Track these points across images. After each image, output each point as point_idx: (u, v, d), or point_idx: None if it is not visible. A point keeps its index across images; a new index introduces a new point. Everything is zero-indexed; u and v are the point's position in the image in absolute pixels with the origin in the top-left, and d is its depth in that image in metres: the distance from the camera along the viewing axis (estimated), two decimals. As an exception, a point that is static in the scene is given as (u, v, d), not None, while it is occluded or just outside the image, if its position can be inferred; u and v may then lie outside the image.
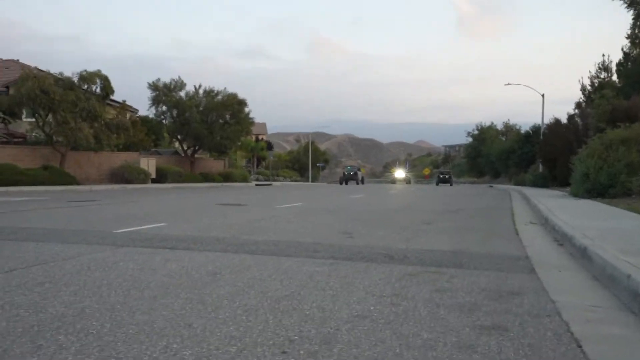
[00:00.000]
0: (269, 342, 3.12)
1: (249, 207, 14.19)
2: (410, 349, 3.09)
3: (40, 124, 28.82)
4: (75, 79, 28.93)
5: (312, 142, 79.38)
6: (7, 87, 34.73)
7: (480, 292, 4.59)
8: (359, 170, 65.38)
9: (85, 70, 29.22)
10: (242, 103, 40.02)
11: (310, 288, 4.55)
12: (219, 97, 39.44)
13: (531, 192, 25.22)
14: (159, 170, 35.59)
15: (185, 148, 41.73)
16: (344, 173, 63.67)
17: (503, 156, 62.15)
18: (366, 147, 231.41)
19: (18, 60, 44.66)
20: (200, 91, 39.80)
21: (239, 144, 46.22)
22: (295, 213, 12.51)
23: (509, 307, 4.11)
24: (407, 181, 72.06)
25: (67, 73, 29.57)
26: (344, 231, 8.77)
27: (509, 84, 47.30)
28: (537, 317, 3.85)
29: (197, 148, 41.53)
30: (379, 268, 5.56)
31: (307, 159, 73.23)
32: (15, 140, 31.77)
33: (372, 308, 3.96)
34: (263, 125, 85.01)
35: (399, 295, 4.39)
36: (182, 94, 39.23)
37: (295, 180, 64.31)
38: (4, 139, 30.17)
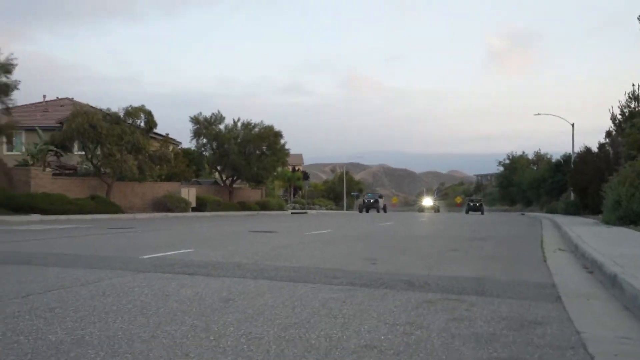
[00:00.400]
0: (265, 374, 2.82)
1: (279, 234, 13.94)
2: (416, 384, 2.74)
3: (89, 156, 29.42)
4: (121, 114, 29.55)
5: (347, 172, 79.16)
6: (62, 123, 35.74)
7: (500, 321, 4.19)
8: (380, 197, 59.53)
9: (131, 106, 29.86)
10: (277, 135, 40.21)
11: (321, 316, 4.23)
12: (256, 129, 39.75)
13: (562, 219, 24.27)
14: (199, 200, 35.82)
15: (224, 178, 42.04)
16: (363, 200, 57.46)
17: (534, 185, 60.53)
18: (400, 177, 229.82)
19: (72, 98, 46.13)
20: (239, 124, 40.21)
21: (275, 174, 46.33)
22: (323, 240, 12.20)
23: (530, 338, 3.70)
24: (435, 209, 65.94)
25: (117, 109, 30.24)
26: (367, 257, 8.41)
27: (538, 114, 46.22)
28: (559, 349, 3.44)
29: (235, 178, 41.76)
30: (397, 295, 5.20)
31: (342, 188, 72.93)
32: (67, 171, 32.47)
33: (382, 337, 3.62)
34: (300, 156, 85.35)
35: (413, 323, 4.03)
36: (222, 127, 39.71)
37: (331, 209, 63.92)
38: (57, 171, 30.84)
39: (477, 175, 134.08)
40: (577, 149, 40.91)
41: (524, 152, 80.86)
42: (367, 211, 51.95)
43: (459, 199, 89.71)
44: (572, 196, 38.76)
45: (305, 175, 69.28)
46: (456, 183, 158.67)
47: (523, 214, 47.22)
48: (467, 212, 54.57)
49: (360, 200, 60.27)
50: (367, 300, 4.92)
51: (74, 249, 9.17)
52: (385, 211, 54.79)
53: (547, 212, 44.20)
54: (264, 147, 40.05)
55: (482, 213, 53.41)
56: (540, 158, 77.87)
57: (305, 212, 45.78)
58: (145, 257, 7.91)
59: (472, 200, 64.08)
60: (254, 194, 46.23)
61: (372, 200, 55.49)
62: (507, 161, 79.75)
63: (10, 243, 10.20)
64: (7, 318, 3.94)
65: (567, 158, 47.67)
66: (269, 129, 39.95)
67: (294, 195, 66.97)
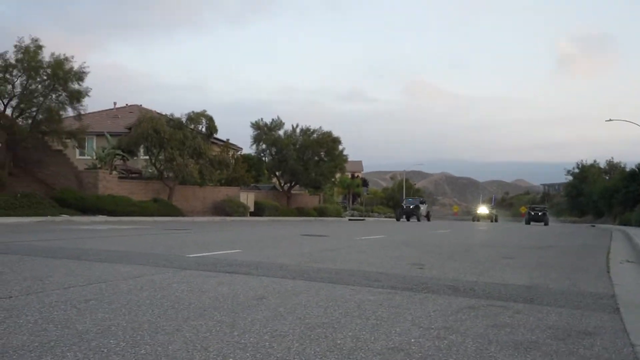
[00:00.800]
0: (280, 371, 2.72)
1: (329, 238, 13.84)
2: (438, 389, 2.56)
3: (153, 160, 30.44)
4: (184, 119, 30.42)
5: (407, 180, 78.20)
6: (129, 129, 37.25)
7: (545, 330, 3.90)
8: (422, 202, 49.56)
9: (193, 111, 30.70)
10: (336, 140, 40.22)
11: (353, 316, 4.09)
12: (315, 135, 39.92)
13: (636, 231, 22.86)
14: (257, 204, 36.31)
15: (282, 184, 42.45)
16: (402, 206, 46.73)
17: (606, 195, 57.46)
18: (462, 186, 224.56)
19: (141, 105, 47.99)
20: (297, 130, 40.53)
21: (334, 180, 46.33)
22: (372, 244, 11.99)
23: (575, 348, 3.42)
24: (492, 218, 57.04)
25: (180, 115, 31.17)
26: (415, 263, 8.16)
27: (610, 120, 43.98)
28: (607, 361, 3.14)
29: (293, 184, 42.09)
30: (438, 299, 4.98)
31: (401, 196, 72.04)
32: (132, 175, 33.75)
33: (412, 341, 3.44)
34: (359, 163, 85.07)
35: (449, 328, 3.82)
36: (281, 132, 40.16)
37: (389, 217, 63.29)
38: (123, 174, 32.11)
39: (544, 185, 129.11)
40: (653, 157, 38.62)
41: (595, 161, 77.19)
42: (407, 219, 43.41)
43: (524, 209, 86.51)
44: (647, 207, 36.51)
45: (365, 182, 68.90)
46: (521, 192, 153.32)
47: (593, 226, 44.92)
48: (527, 223, 46.42)
49: (399, 208, 48.60)
50: (405, 303, 4.73)
51: (126, 246, 9.43)
52: (428, 219, 46.72)
53: (619, 223, 41.87)
54: (322, 153, 40.17)
55: (546, 224, 45.19)
56: (613, 167, 74.08)
57: (363, 219, 45.48)
58: (191, 255, 8.01)
59: (533, 209, 53.37)
60: (311, 200, 46.42)
61: (411, 207, 44.76)
62: (577, 170, 76.34)
63: (70, 240, 10.62)
64: (43, 307, 4.03)
65: (642, 167, 45.12)
66: (327, 134, 40.03)
67: (353, 202, 66.74)
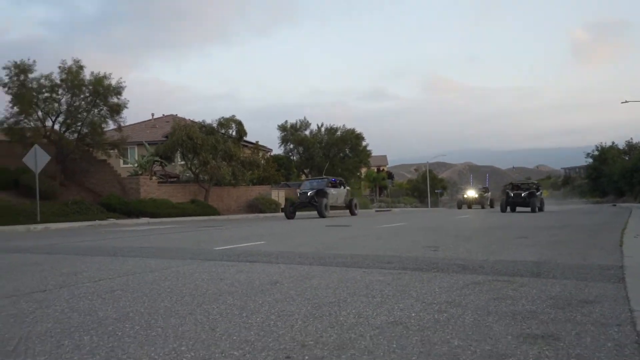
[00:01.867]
0: (279, 347, 2.70)
1: (351, 228, 13.77)
2: (429, 357, 2.50)
3: (189, 165, 30.84)
4: (215, 125, 30.71)
5: (431, 171, 77.29)
6: (166, 137, 37.85)
7: (546, 300, 3.79)
8: (336, 185, 27.03)
9: (222, 117, 30.97)
10: (359, 137, 40.06)
11: (360, 296, 4.04)
12: (339, 132, 39.84)
13: (654, 207, 22.08)
14: (287, 201, 36.41)
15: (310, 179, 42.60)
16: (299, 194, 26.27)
17: (627, 175, 55.82)
18: (485, 174, 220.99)
19: (176, 115, 48.67)
20: (323, 129, 40.51)
21: (359, 174, 46.16)
22: (391, 232, 11.87)
23: (573, 315, 3.30)
24: (482, 204, 41.81)
25: (211, 121, 31.50)
26: (430, 245, 8.04)
27: (626, 101, 42.57)
28: (603, 326, 3.03)
29: (321, 180, 42.16)
30: (446, 278, 4.88)
31: (426, 187, 71.28)
32: (170, 179, 34.23)
33: (413, 315, 3.37)
34: (384, 157, 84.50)
35: (451, 302, 3.74)
36: (307, 132, 40.20)
37: (415, 207, 62.66)
38: (162, 179, 32.59)
39: (565, 169, 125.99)
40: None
41: (613, 143, 74.94)
42: (308, 204, 24.44)
43: (545, 193, 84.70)
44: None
45: (390, 175, 68.44)
46: (543, 177, 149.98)
47: (615, 205, 43.65)
48: (502, 210, 27.88)
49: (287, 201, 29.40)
50: (412, 282, 4.65)
51: (160, 243, 9.55)
52: (351, 211, 26.84)
53: (640, 202, 40.54)
54: (346, 149, 40.05)
55: (535, 209, 26.01)
56: (632, 147, 71.72)
57: (389, 210, 45.12)
58: (217, 248, 8.06)
59: (515, 188, 29.72)
60: (340, 194, 46.31)
61: (308, 193, 24.76)
62: (596, 152, 74.24)
63: (110, 240, 10.82)
64: (72, 298, 4.11)
65: (660, 145, 43.58)
66: (351, 131, 39.89)
67: (380, 194, 66.38)
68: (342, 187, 26.45)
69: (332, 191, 25.00)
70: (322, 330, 3.02)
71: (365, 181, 59.81)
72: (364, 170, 48.40)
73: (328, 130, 39.84)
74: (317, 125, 40.49)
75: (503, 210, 27.66)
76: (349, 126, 40.34)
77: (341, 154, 39.55)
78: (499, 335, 2.87)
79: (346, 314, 3.42)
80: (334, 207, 25.22)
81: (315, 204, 23.77)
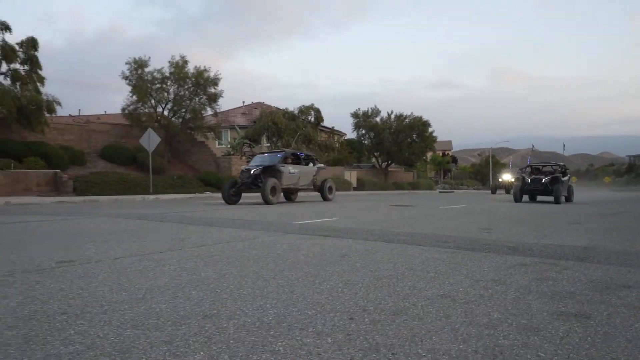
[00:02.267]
0: (344, 310, 2.96)
1: (415, 208, 13.76)
2: (469, 326, 2.66)
3: (273, 146, 31.82)
4: (296, 112, 31.35)
5: (493, 156, 74.30)
6: (254, 122, 39.14)
7: (586, 283, 3.78)
8: (298, 156, 18.21)
9: (303, 105, 31.54)
10: (425, 124, 39.34)
11: (416, 270, 4.21)
12: (407, 120, 39.32)
13: None
14: (358, 181, 36.66)
15: (380, 163, 42.43)
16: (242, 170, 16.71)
17: (693, 163, 50.77)
18: (547, 159, 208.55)
19: (263, 102, 49.99)
20: (392, 116, 40.13)
21: (425, 158, 45.37)
22: (451, 213, 11.78)
23: (609, 298, 3.31)
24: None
25: (293, 109, 32.23)
26: (485, 228, 7.98)
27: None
28: (635, 309, 3.03)
29: (390, 162, 41.89)
30: (496, 258, 4.92)
31: (488, 170, 68.69)
32: (258, 159, 35.47)
33: (460, 289, 3.51)
34: (449, 142, 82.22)
35: (497, 280, 3.83)
36: (378, 119, 39.99)
37: (477, 189, 60.69)
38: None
39: (630, 156, 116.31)
40: None
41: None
42: (252, 185, 16.12)
43: (608, 179, 78.97)
44: None
45: (454, 159, 66.65)
46: (606, 164, 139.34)
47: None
48: (517, 199, 19.01)
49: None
50: (464, 260, 4.75)
51: (248, 216, 10.11)
52: (325, 194, 18.55)
53: None
54: (414, 135, 39.49)
55: (560, 199, 17.44)
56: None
57: (452, 192, 44.16)
58: (295, 223, 8.46)
59: (535, 171, 20.75)
60: (406, 176, 45.88)
61: (252, 172, 16.03)
62: (662, 141, 68.02)
63: (207, 212, 11.58)
64: (181, 260, 4.59)
65: None
66: (418, 119, 39.27)
67: (444, 177, 64.91)
68: (311, 165, 17.90)
69: (288, 169, 16.41)
70: (380, 298, 3.25)
71: (430, 164, 58.69)
72: (429, 154, 47.46)
73: (397, 117, 39.43)
74: (388, 112, 40.22)
75: (517, 199, 18.63)
76: (416, 113, 39.77)
77: (409, 140, 39.08)
78: (535, 311, 2.96)
79: (402, 286, 3.62)
80: (295, 190, 17.50)
81: (259, 184, 15.59)
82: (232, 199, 15.65)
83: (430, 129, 39.68)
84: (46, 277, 3.82)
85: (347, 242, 6.00)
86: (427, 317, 2.82)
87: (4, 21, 20.15)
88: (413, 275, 4.02)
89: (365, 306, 3.04)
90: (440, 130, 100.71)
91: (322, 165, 18.85)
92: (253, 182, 15.75)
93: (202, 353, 2.21)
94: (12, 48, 20.46)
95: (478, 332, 2.56)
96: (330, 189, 18.45)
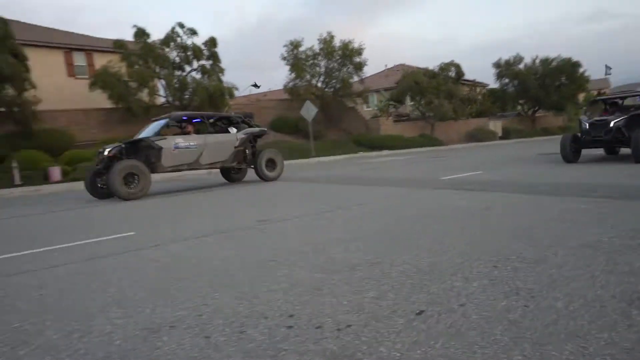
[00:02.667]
0: (488, 258, 3.15)
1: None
2: (609, 274, 2.67)
3: (416, 105, 31.16)
4: (436, 70, 30.03)
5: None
6: (397, 84, 38.56)
7: None
8: (194, 126, 10.54)
9: (443, 62, 30.01)
10: (576, 65, 34.18)
11: (553, 220, 4.13)
12: (554, 63, 34.66)
13: None
14: (504, 130, 33.98)
15: (526, 109, 38.46)
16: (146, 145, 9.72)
17: None
18: None
19: (404, 63, 48.64)
20: (537, 61, 35.74)
21: (575, 101, 39.54)
22: (600, 161, 10.45)
23: None
24: None
25: (433, 67, 30.98)
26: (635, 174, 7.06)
27: None
28: None
29: (536, 109, 37.72)
30: (649, 207, 4.49)
31: (655, 106, 57.15)
32: (402, 118, 35.07)
33: (604, 239, 3.41)
34: (605, 80, 70.03)
35: (646, 231, 3.58)
36: (521, 66, 36.02)
37: (641, 127, 51.09)
38: (396, 119, 33.71)
39: None
40: None
41: None
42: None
43: None
44: None
45: (612, 97, 56.73)
46: None
47: None
48: (568, 159, 10.18)
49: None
50: (612, 211, 4.44)
51: (399, 174, 10.38)
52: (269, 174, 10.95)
53: None
54: (562, 78, 34.74)
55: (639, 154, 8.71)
56: None
57: (610, 132, 38.07)
58: (443, 178, 8.51)
59: (606, 110, 11.19)
60: (555, 121, 40.91)
61: (105, 152, 9.10)
62: None
63: (363, 171, 12.13)
64: (347, 216, 5.16)
65: None
66: (567, 61, 34.28)
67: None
68: (236, 130, 10.82)
69: (173, 143, 9.53)
70: (522, 248, 3.34)
71: (583, 105, 51.08)
72: (582, 95, 41.30)
73: (543, 61, 34.98)
74: (532, 58, 35.87)
75: (568, 157, 10.29)
76: (567, 53, 34.84)
77: (557, 83, 34.52)
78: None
79: (539, 236, 3.62)
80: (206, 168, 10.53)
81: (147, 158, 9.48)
82: (97, 191, 9.34)
83: (581, 69, 34.41)
84: (252, 233, 4.70)
85: (491, 195, 5.96)
86: (567, 265, 2.88)
87: (193, 28, 22.99)
88: (547, 225, 3.96)
89: (507, 255, 3.19)
90: (595, 69, 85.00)
91: (256, 129, 11.03)
92: (105, 168, 9.17)
93: (374, 292, 2.67)
94: (199, 48, 23.31)
95: (617, 279, 2.57)
96: (270, 162, 11.05)
